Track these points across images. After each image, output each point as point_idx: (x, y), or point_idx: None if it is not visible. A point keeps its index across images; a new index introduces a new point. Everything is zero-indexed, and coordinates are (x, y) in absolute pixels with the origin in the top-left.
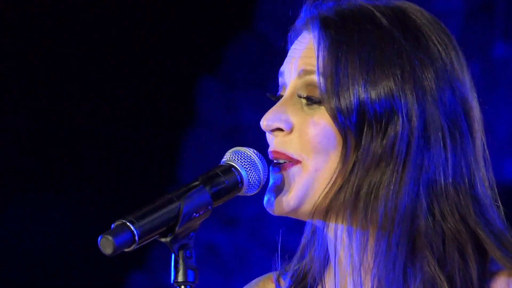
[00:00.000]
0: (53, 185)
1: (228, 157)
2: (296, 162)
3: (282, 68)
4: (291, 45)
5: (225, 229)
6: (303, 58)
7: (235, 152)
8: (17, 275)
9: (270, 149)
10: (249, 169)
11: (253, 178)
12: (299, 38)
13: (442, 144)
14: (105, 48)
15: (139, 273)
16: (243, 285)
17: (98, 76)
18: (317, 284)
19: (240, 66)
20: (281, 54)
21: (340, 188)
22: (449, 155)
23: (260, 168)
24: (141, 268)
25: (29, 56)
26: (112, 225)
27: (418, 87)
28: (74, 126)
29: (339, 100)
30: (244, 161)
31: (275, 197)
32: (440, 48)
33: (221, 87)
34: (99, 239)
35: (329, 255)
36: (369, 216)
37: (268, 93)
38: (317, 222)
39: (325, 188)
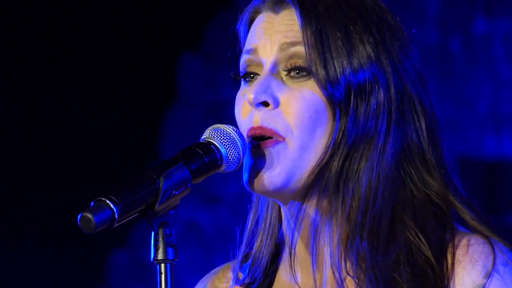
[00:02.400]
0: (34, 162)
1: (208, 134)
2: (281, 139)
3: (252, 46)
4: (246, 27)
5: (207, 207)
6: (282, 33)
7: (215, 130)
8: None
9: (253, 125)
10: (229, 147)
11: (233, 156)
12: (263, 19)
13: (414, 113)
14: (85, 25)
15: (120, 251)
16: (225, 263)
17: (78, 54)
18: (273, 270)
19: (221, 43)
20: None
21: (327, 164)
22: (419, 124)
23: (239, 145)
24: (122, 246)
25: None
26: (92, 203)
27: (390, 56)
28: (56, 105)
29: (327, 71)
30: (223, 139)
31: (257, 175)
32: (395, 22)
33: (202, 64)
34: (78, 217)
35: (283, 240)
36: (353, 190)
37: (232, 72)
38: (295, 203)
39: (311, 166)
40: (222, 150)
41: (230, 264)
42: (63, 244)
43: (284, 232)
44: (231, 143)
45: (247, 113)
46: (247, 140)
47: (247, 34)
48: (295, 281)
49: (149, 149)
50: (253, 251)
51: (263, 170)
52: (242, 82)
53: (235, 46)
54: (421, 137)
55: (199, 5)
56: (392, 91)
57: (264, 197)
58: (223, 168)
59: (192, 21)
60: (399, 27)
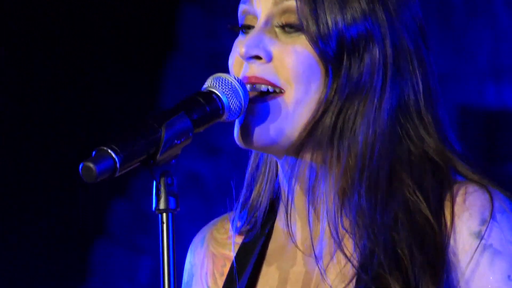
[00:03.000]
0: (32, 113)
1: (209, 83)
2: (278, 91)
3: None
4: None
5: (208, 157)
6: None
7: (216, 79)
8: None
9: (247, 74)
10: (230, 95)
11: (234, 105)
12: None
13: (411, 69)
14: None
15: (121, 201)
16: (225, 213)
17: (79, 2)
18: (271, 218)
19: None
20: None
21: (320, 119)
22: (416, 79)
23: (241, 94)
24: (123, 196)
25: None
26: (93, 153)
27: (386, 8)
28: (58, 56)
29: (318, 27)
30: (225, 87)
31: (247, 130)
32: None
33: (202, 13)
34: (80, 166)
35: (279, 193)
36: (349, 146)
37: (228, 24)
38: (289, 158)
39: (303, 122)
40: (224, 99)
41: (228, 215)
42: (64, 192)
43: (281, 183)
44: (233, 92)
45: (239, 65)
46: None
47: None
48: (292, 232)
49: (150, 100)
50: (252, 197)
51: (254, 125)
52: (240, 33)
53: None
54: (418, 93)
55: None
56: (388, 45)
57: (259, 156)
58: (224, 117)
59: None
60: None
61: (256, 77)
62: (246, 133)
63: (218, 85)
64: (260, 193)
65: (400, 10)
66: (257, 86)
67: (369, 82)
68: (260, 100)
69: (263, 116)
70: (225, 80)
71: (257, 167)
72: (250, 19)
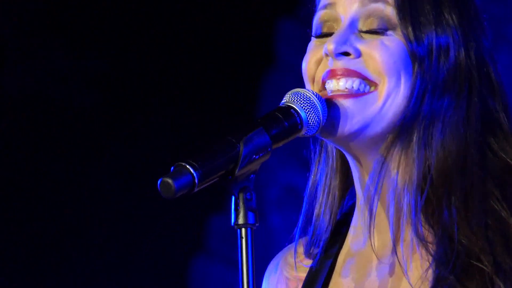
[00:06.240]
0: (125, 127)
1: (288, 98)
2: (373, 85)
3: (330, 0)
4: None
5: (305, 170)
6: None
7: (294, 94)
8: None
9: (334, 67)
10: (309, 110)
11: (313, 119)
12: None
13: (490, 83)
14: None
15: (217, 217)
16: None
17: (179, 22)
18: (339, 237)
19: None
20: None
21: (406, 116)
22: (495, 93)
23: (319, 109)
24: (220, 212)
25: None
26: (172, 168)
27: (471, 30)
28: (156, 71)
29: (413, 27)
30: (303, 103)
31: (334, 123)
32: (474, 4)
33: (300, 29)
34: (158, 182)
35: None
36: (436, 149)
37: (308, 29)
38: (376, 157)
39: (392, 115)
40: (302, 114)
41: (301, 241)
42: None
43: (358, 193)
44: (311, 107)
45: (321, 63)
46: (320, 87)
47: None
48: (370, 243)
49: (247, 115)
50: (313, 220)
51: (340, 116)
52: (313, 39)
53: None
54: (498, 105)
55: None
56: (473, 59)
57: (324, 163)
58: (303, 132)
59: None
60: (477, 9)
61: (347, 70)
62: (331, 123)
63: (297, 100)
64: (320, 216)
65: (480, 34)
66: (349, 84)
67: (457, 89)
68: (348, 97)
69: (350, 108)
70: (303, 95)
71: (316, 190)
72: (331, 23)
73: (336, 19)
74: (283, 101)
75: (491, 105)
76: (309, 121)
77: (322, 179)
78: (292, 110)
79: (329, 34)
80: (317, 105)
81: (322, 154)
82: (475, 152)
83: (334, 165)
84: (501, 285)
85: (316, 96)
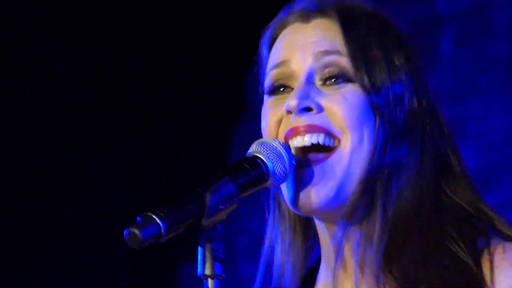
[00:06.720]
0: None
1: (254, 148)
2: (336, 139)
3: (282, 59)
4: (270, 43)
5: None
6: (315, 42)
7: (261, 144)
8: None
9: (297, 125)
10: (275, 160)
11: (279, 169)
12: (292, 30)
13: (441, 127)
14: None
15: (189, 266)
16: None
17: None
18: None
19: None
20: None
21: (371, 169)
22: (446, 137)
23: (286, 159)
24: (191, 261)
25: None
26: (138, 218)
27: (418, 73)
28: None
29: (369, 78)
30: (270, 152)
31: (305, 192)
32: (414, 46)
33: None
34: (125, 232)
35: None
36: (393, 198)
37: (260, 87)
38: (340, 224)
39: (359, 172)
40: (269, 164)
41: None
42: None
43: (324, 254)
44: (278, 157)
45: (282, 121)
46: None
47: (270, 50)
48: None
49: (219, 161)
50: (277, 276)
51: (312, 186)
52: (267, 96)
53: None
54: (449, 147)
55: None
56: (424, 104)
57: (278, 223)
58: (270, 182)
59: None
60: (415, 47)
61: (310, 125)
62: (301, 196)
63: (263, 150)
64: (285, 272)
65: (424, 76)
66: (314, 139)
67: (412, 133)
68: (314, 159)
69: (320, 175)
70: (269, 145)
71: (272, 252)
72: (285, 80)
73: (291, 76)
74: (249, 151)
75: (443, 149)
76: (275, 171)
77: (279, 240)
78: (258, 160)
79: (285, 92)
80: (284, 155)
81: (277, 213)
82: (430, 196)
83: (294, 228)
84: None
85: (282, 146)
